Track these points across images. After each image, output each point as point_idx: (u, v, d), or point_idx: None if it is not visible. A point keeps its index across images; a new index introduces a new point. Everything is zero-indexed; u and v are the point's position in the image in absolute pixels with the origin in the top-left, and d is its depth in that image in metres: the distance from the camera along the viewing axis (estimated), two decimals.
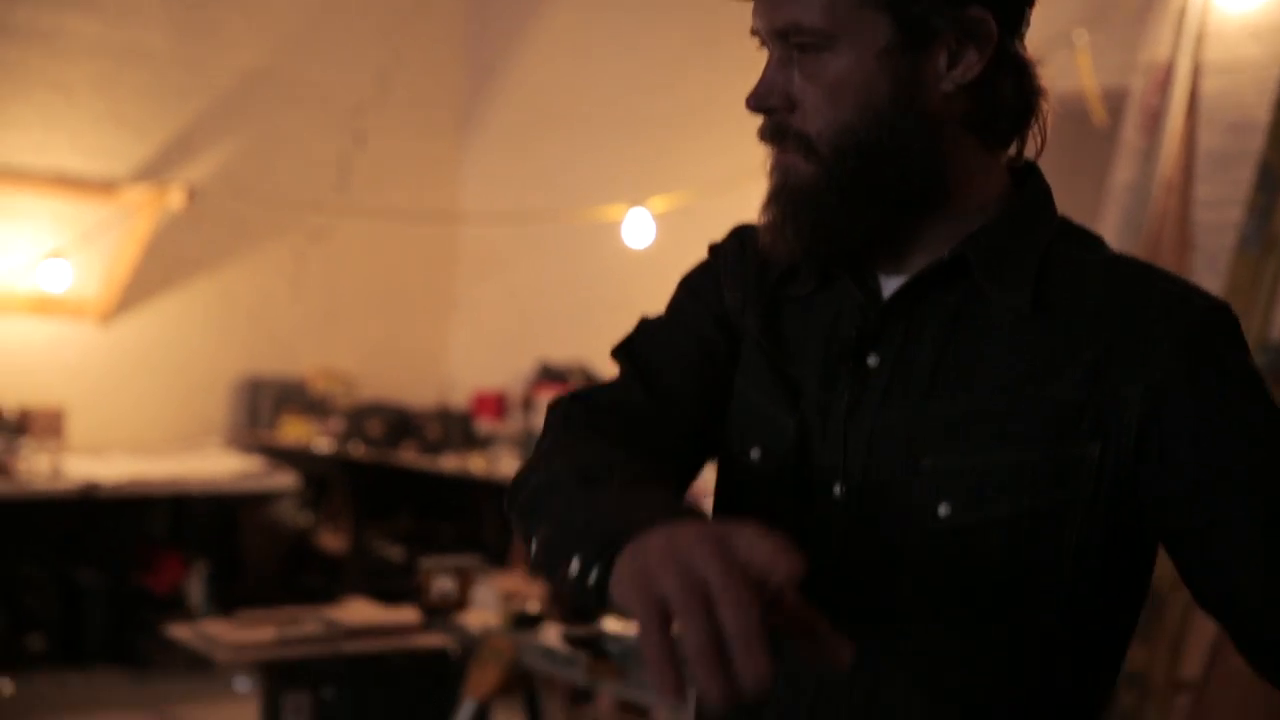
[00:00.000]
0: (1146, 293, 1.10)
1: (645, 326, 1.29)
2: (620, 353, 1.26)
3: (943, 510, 1.08)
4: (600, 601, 0.90)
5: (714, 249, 1.30)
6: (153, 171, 6.34)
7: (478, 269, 7.10)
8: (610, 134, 6.29)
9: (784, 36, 1.11)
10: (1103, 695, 1.15)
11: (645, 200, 4.95)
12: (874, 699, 1.11)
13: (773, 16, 1.12)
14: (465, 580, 3.25)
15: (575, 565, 0.90)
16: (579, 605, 1.02)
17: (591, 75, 6.46)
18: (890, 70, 1.10)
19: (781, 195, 1.13)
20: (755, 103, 1.14)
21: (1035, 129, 1.17)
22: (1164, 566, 1.16)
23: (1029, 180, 1.19)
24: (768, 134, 1.15)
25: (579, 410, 1.20)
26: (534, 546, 1.01)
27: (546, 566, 0.98)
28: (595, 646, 2.51)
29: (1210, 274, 3.66)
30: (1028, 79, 1.15)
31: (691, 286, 1.29)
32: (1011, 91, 1.14)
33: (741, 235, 1.27)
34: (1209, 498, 1.06)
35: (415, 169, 7.13)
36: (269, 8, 6.69)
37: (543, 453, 1.13)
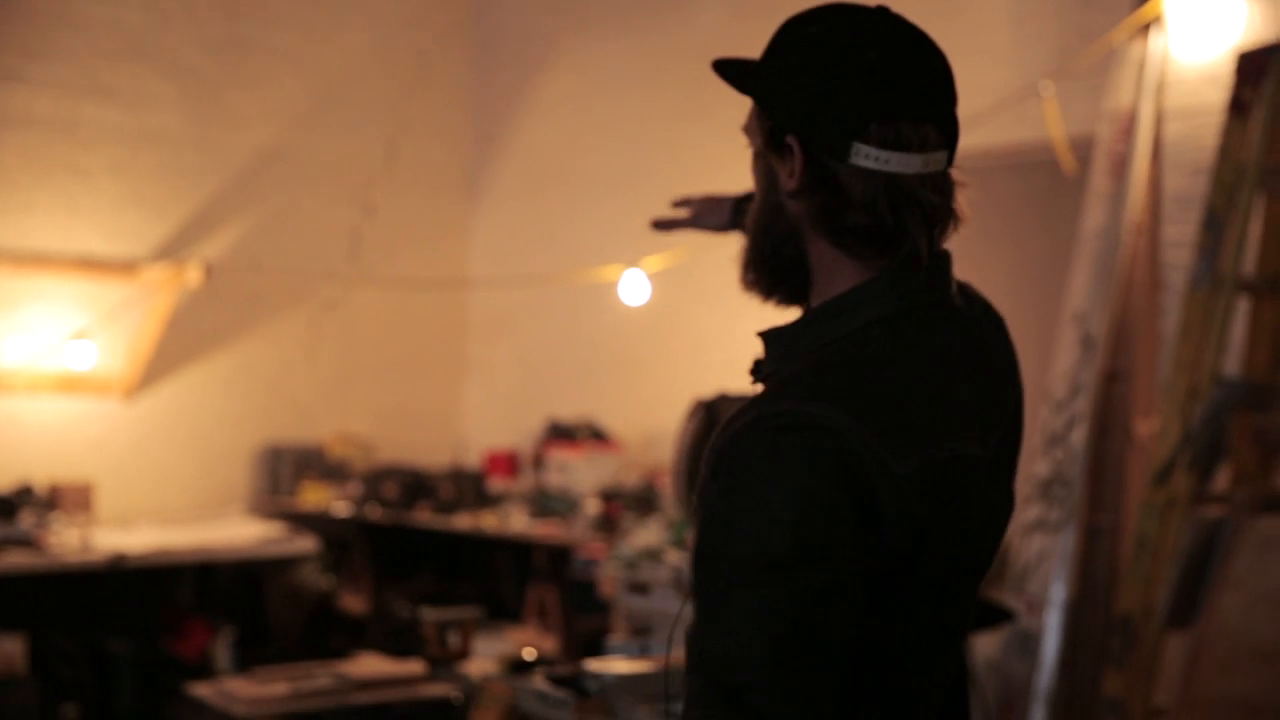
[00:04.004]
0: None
1: None
2: None
3: None
4: None
5: None
6: (171, 250, 6.57)
7: (488, 331, 7.29)
8: (610, 194, 6.48)
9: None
10: None
11: (645, 258, 5.12)
12: None
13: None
14: (466, 631, 3.41)
15: None
16: None
17: (590, 137, 6.67)
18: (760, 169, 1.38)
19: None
20: None
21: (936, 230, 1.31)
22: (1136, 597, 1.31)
23: (868, 284, 1.30)
24: None
25: None
26: None
27: None
28: (577, 685, 2.65)
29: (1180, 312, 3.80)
30: (893, 193, 1.26)
31: None
32: (862, 201, 1.27)
33: None
34: None
35: (424, 236, 7.34)
36: (279, 88, 6.93)
37: None
